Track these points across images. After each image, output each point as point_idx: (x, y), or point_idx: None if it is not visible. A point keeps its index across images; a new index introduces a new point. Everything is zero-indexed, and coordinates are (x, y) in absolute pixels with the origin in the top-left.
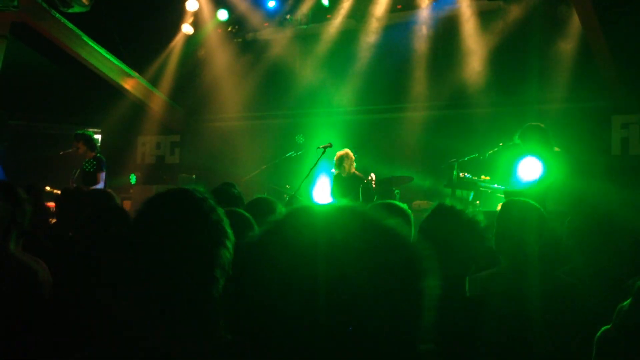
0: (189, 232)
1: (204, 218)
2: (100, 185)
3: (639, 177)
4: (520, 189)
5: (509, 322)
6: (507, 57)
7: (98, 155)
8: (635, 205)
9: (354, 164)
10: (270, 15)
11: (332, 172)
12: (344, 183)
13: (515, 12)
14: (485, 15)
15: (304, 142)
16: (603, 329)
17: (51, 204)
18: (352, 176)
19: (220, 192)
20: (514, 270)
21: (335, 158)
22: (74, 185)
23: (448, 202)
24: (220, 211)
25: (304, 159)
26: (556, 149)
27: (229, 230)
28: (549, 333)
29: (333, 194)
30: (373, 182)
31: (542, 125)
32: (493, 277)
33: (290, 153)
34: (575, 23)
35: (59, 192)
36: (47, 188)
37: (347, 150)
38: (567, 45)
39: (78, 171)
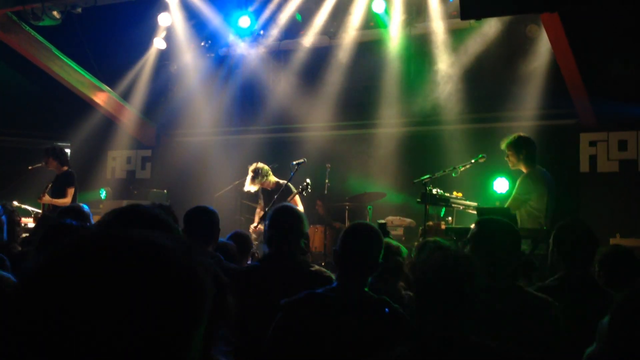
0: None
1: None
2: (69, 200)
3: (607, 194)
4: (492, 205)
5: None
6: (477, 75)
7: (70, 170)
8: (602, 222)
9: (270, 174)
10: (244, 30)
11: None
12: (271, 196)
13: (486, 30)
14: (457, 34)
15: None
16: (588, 351)
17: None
18: (278, 187)
19: None
20: (487, 288)
21: (252, 171)
22: (44, 197)
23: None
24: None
25: (277, 175)
26: (537, 166)
27: None
28: (522, 351)
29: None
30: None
31: (531, 138)
32: None
33: None
34: (544, 42)
35: (27, 207)
36: (15, 203)
37: (260, 164)
38: (537, 64)
39: (50, 185)
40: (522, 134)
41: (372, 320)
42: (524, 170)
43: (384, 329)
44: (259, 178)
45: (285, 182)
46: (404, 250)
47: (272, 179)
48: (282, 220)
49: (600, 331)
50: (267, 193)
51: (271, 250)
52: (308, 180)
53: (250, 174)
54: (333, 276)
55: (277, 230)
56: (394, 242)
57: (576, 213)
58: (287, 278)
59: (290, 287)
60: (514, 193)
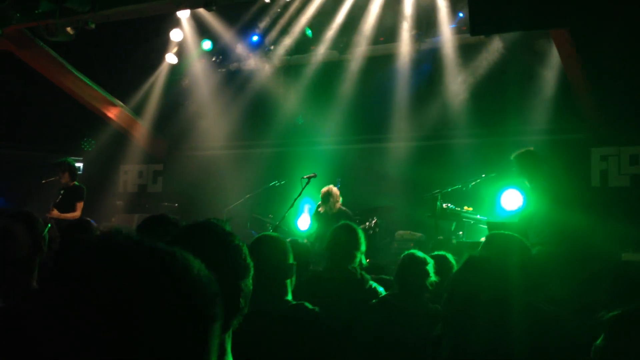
0: (218, 265)
1: (233, 252)
2: (78, 214)
3: (619, 209)
4: (502, 220)
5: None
6: (488, 89)
7: (77, 184)
8: (614, 237)
9: (340, 200)
10: (254, 46)
11: (318, 210)
12: (331, 220)
13: (496, 45)
14: (467, 48)
15: (302, 123)
16: None
17: None
18: (339, 213)
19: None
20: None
21: (321, 195)
22: (53, 212)
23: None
24: (245, 247)
25: (287, 189)
26: (543, 180)
27: (251, 264)
28: None
29: (317, 230)
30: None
31: (539, 153)
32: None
33: (274, 182)
34: (554, 56)
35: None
36: None
37: (331, 186)
38: (547, 78)
39: (60, 196)
40: (531, 149)
41: (296, 328)
42: (527, 184)
43: (309, 334)
44: (326, 203)
45: (346, 210)
46: (429, 260)
47: (338, 205)
48: None
49: (594, 356)
50: (326, 217)
51: None
52: (376, 220)
53: (323, 195)
54: None
55: None
56: (420, 254)
57: (587, 228)
58: None
59: None
60: (522, 208)
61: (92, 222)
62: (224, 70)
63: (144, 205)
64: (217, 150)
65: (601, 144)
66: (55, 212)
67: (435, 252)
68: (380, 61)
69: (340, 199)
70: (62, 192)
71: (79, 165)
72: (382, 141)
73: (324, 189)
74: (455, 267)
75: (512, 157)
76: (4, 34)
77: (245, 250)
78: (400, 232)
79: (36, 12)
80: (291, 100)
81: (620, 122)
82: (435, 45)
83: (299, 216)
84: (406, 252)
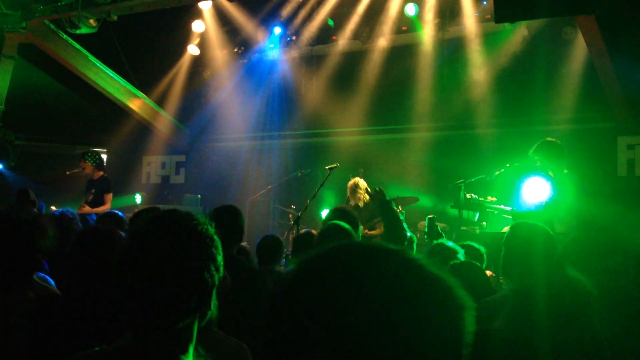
0: (182, 254)
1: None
2: (108, 207)
3: None
4: (527, 210)
5: (516, 346)
6: (513, 78)
7: (106, 175)
8: None
9: (367, 191)
10: (276, 36)
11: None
12: (361, 212)
13: (521, 33)
14: (492, 37)
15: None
16: None
17: None
18: (367, 204)
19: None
20: (522, 293)
21: (348, 188)
22: (85, 208)
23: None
24: (217, 240)
25: (309, 180)
26: (565, 170)
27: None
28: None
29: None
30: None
31: (559, 142)
32: (503, 300)
33: (296, 173)
34: (581, 45)
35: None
36: (52, 208)
37: (357, 178)
38: (573, 67)
39: (92, 195)
40: (549, 138)
41: None
42: (551, 174)
43: None
44: (351, 194)
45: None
46: (459, 250)
47: (364, 196)
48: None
49: None
50: (356, 209)
51: None
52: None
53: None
54: None
55: None
56: (449, 243)
57: (613, 218)
58: None
59: None
60: (548, 198)
61: (121, 214)
62: (245, 60)
63: (167, 196)
64: (239, 141)
65: (628, 133)
66: (87, 208)
67: (467, 242)
68: (403, 51)
69: (368, 190)
70: (93, 190)
71: (103, 157)
72: (405, 131)
73: (351, 182)
74: (485, 258)
75: (532, 150)
76: (27, 26)
77: (217, 241)
78: (423, 222)
79: (59, 4)
80: (313, 91)
81: None
82: (459, 34)
83: (321, 206)
84: (435, 242)
